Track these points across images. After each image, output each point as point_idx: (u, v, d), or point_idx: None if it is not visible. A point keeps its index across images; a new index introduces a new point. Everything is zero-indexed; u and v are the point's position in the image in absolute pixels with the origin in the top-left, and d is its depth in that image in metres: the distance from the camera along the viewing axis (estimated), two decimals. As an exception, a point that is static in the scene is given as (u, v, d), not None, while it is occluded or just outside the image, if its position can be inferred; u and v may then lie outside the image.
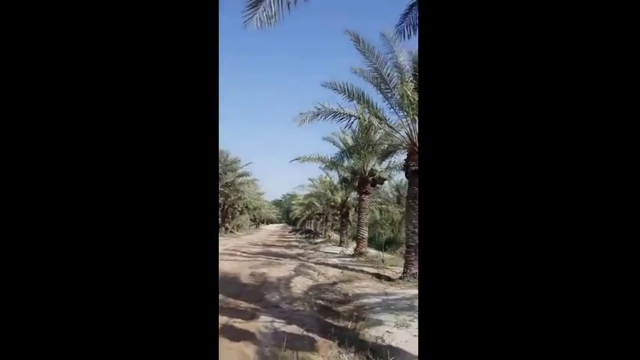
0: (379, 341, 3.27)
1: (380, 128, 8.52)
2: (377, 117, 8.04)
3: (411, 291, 5.41)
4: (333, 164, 13.22)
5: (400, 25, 4.29)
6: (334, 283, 6.37)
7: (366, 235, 12.06)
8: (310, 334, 3.43)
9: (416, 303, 4.68)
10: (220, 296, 4.96)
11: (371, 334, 3.49)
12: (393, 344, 3.19)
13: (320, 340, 3.25)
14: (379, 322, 3.84)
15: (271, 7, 3.67)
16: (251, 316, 4.08)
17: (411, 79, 7.48)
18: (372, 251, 11.92)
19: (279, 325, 3.74)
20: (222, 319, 3.81)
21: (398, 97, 7.54)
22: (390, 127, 8.23)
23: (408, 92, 7.00)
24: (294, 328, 3.60)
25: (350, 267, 8.49)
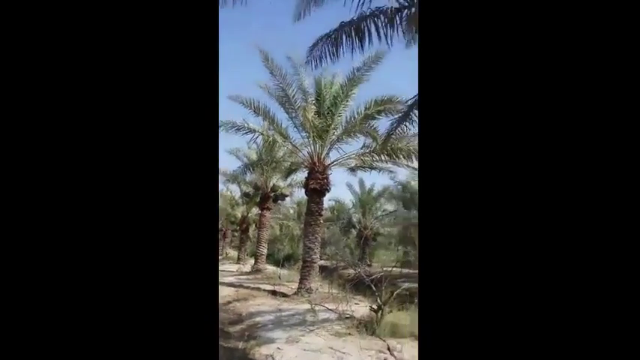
0: (269, 359, 3.29)
1: (283, 146, 8.77)
2: (281, 134, 8.26)
3: (303, 306, 5.59)
4: (234, 178, 12.89)
5: (308, 57, 4.60)
6: (228, 303, 6.14)
7: (265, 251, 11.98)
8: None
9: (307, 317, 4.87)
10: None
11: (261, 352, 3.49)
12: (283, 360, 3.25)
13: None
14: (270, 340, 3.86)
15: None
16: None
17: (313, 102, 7.97)
18: (271, 267, 11.88)
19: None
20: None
21: (301, 117, 7.92)
22: (293, 145, 8.54)
23: (311, 117, 7.44)
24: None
25: (246, 285, 8.30)
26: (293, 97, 7.92)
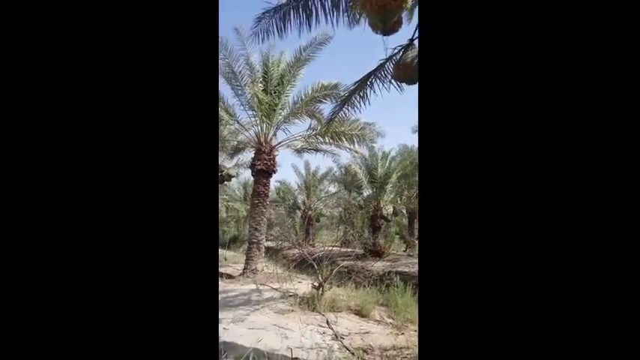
0: (214, 339, 3.32)
1: (229, 124, 8.48)
2: (227, 112, 7.98)
3: (249, 286, 5.66)
4: (176, 157, 12.17)
5: (255, 27, 4.44)
6: (170, 286, 5.96)
7: (210, 232, 11.68)
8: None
9: (253, 297, 4.95)
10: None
11: (206, 333, 3.50)
12: (228, 340, 3.31)
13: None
14: (216, 321, 3.88)
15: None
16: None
17: (260, 79, 7.77)
18: (216, 249, 11.66)
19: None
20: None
21: (248, 95, 7.70)
22: (240, 124, 8.31)
23: (258, 93, 7.26)
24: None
25: (190, 267, 8.08)
26: (240, 72, 7.65)
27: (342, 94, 5.41)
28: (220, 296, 5.10)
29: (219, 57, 7.35)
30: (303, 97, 7.68)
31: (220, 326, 3.66)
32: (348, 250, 8.91)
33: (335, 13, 3.98)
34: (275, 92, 7.69)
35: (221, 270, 7.37)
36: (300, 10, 4.09)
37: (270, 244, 9.83)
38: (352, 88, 4.50)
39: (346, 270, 5.83)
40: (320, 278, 4.82)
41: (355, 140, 8.03)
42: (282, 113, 7.90)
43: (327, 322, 3.88)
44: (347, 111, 5.01)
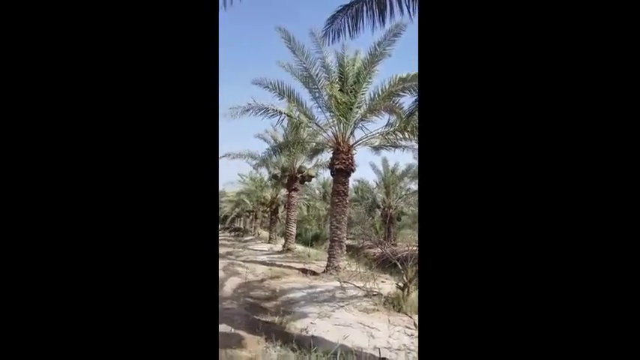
0: (303, 333, 3.50)
1: (308, 126, 8.80)
2: (306, 115, 8.30)
3: (332, 283, 5.80)
4: (263, 161, 13.19)
5: (327, 28, 4.52)
6: (262, 280, 6.47)
7: (294, 231, 12.33)
8: (239, 332, 3.50)
9: (337, 294, 5.06)
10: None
11: (296, 326, 3.71)
12: (316, 334, 3.45)
13: (248, 337, 3.35)
14: (304, 315, 4.09)
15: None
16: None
17: (337, 80, 7.88)
18: (300, 247, 12.25)
19: (206, 326, 3.73)
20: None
21: (325, 97, 7.88)
22: (318, 125, 8.56)
23: (336, 93, 7.37)
24: (223, 327, 3.63)
25: (278, 263, 8.66)
26: (316, 75, 7.87)
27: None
28: (306, 291, 5.35)
29: (297, 62, 7.68)
30: (380, 93, 7.54)
31: (307, 320, 3.85)
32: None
33: (411, 2, 3.80)
34: (352, 91, 7.71)
35: (305, 266, 7.72)
36: (374, 4, 4.01)
37: (350, 242, 9.91)
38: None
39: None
40: (405, 278, 4.69)
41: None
42: (360, 111, 7.88)
43: (415, 325, 3.75)
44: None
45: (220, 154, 14.96)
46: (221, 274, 7.25)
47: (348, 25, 4.31)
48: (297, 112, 8.22)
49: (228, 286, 5.98)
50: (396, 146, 8.87)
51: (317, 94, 8.08)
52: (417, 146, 8.89)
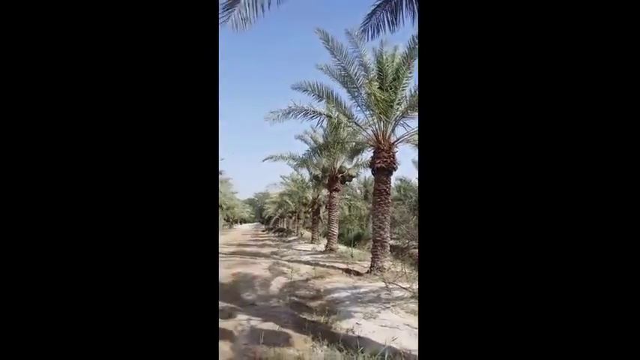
0: (349, 333, 3.49)
1: (348, 126, 8.78)
2: (345, 115, 8.28)
3: (377, 284, 5.72)
4: (304, 162, 13.39)
5: (365, 24, 4.48)
6: (307, 280, 6.56)
7: (336, 231, 12.36)
8: (285, 330, 3.58)
9: (382, 295, 4.98)
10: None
11: (342, 326, 3.71)
12: (362, 335, 3.43)
13: (295, 335, 3.42)
14: (349, 315, 4.07)
15: (246, 9, 3.73)
16: (228, 315, 4.16)
17: (375, 77, 7.77)
18: (342, 247, 12.24)
19: (256, 322, 3.86)
20: (197, 321, 3.88)
21: (365, 95, 7.81)
22: (358, 125, 8.50)
23: (375, 91, 7.27)
24: (270, 325, 3.74)
25: (321, 263, 8.72)
26: (355, 74, 7.83)
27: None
28: (351, 292, 5.33)
29: (335, 62, 7.70)
30: (421, 89, 7.29)
31: (353, 320, 3.83)
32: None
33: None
34: (391, 88, 7.56)
35: (349, 267, 7.70)
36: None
37: (394, 242, 9.70)
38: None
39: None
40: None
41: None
42: (400, 108, 7.71)
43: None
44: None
45: (263, 156, 15.40)
46: (267, 273, 7.47)
47: (387, 20, 4.23)
48: (337, 113, 8.23)
49: (274, 285, 6.15)
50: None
51: (356, 93, 8.03)
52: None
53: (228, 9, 3.76)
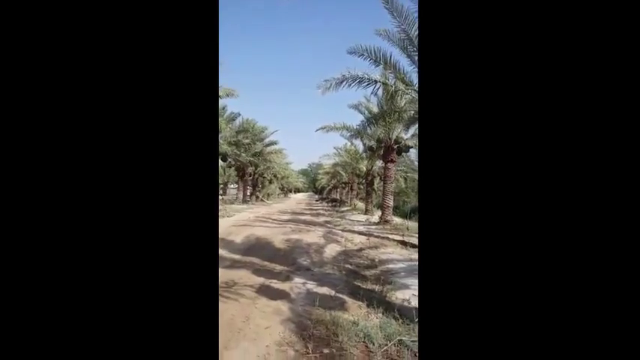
0: (405, 303, 3.45)
1: (406, 93, 8.29)
2: (403, 82, 7.81)
3: (436, 257, 5.53)
4: (358, 133, 13.13)
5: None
6: (361, 249, 6.60)
7: (391, 203, 12.13)
8: (340, 295, 3.66)
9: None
10: (256, 259, 5.33)
11: (397, 296, 3.68)
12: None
13: (349, 301, 3.48)
14: (405, 286, 4.02)
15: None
16: (285, 277, 4.38)
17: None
18: (398, 219, 12.04)
19: (311, 286, 4.01)
20: (260, 280, 4.15)
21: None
22: (416, 91, 7.98)
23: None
24: (325, 290, 3.85)
25: (375, 234, 8.69)
26: (415, 37, 7.26)
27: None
28: (406, 264, 5.25)
29: (394, 25, 7.20)
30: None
31: (409, 292, 3.77)
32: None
33: None
34: (456, 49, 6.89)
35: (405, 239, 7.55)
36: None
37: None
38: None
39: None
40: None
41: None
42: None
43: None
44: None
45: (316, 126, 15.37)
46: (321, 240, 7.66)
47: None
48: (394, 80, 7.78)
49: (328, 252, 6.29)
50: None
51: (416, 57, 7.48)
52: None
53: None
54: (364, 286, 4.04)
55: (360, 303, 3.39)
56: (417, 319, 2.86)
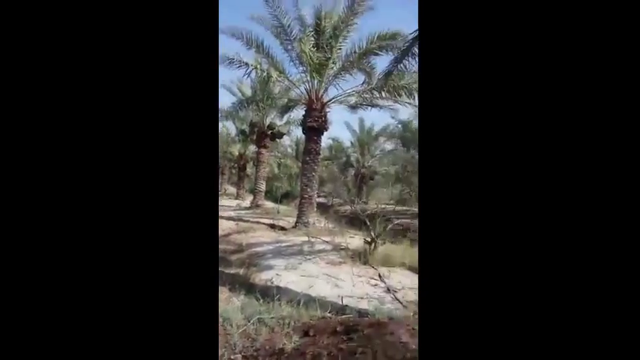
0: (268, 283, 3.57)
1: (279, 81, 8.42)
2: (276, 69, 7.88)
3: (301, 238, 5.90)
4: (229, 115, 12.63)
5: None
6: (228, 235, 6.47)
7: (263, 188, 12.26)
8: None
9: (305, 248, 5.16)
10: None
11: (261, 277, 3.77)
12: (281, 285, 3.53)
13: (211, 288, 3.37)
14: (269, 267, 4.15)
15: None
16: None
17: (312, 33, 7.47)
18: (269, 204, 12.28)
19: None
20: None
21: (299, 50, 7.49)
22: (290, 81, 8.21)
23: (307, 48, 7.01)
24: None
25: (245, 219, 8.65)
26: (289, 27, 7.40)
27: (404, 44, 4.98)
28: (274, 246, 5.43)
29: (267, 11, 7.16)
30: (357, 50, 7.26)
31: (273, 272, 3.92)
32: (404, 208, 8.81)
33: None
34: (327, 46, 7.36)
35: (274, 222, 7.78)
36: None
37: (322, 200, 10.05)
38: (411, 37, 4.12)
39: (401, 228, 5.79)
40: (373, 234, 4.85)
41: (415, 94, 7.47)
42: (335, 68, 7.60)
43: (380, 276, 3.93)
44: (407, 63, 4.65)
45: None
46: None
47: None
48: (267, 65, 7.77)
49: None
50: (373, 105, 8.74)
51: (289, 47, 7.65)
52: (394, 106, 8.82)
53: None
54: (227, 271, 3.98)
55: (222, 288, 3.32)
56: (277, 296, 2.99)
